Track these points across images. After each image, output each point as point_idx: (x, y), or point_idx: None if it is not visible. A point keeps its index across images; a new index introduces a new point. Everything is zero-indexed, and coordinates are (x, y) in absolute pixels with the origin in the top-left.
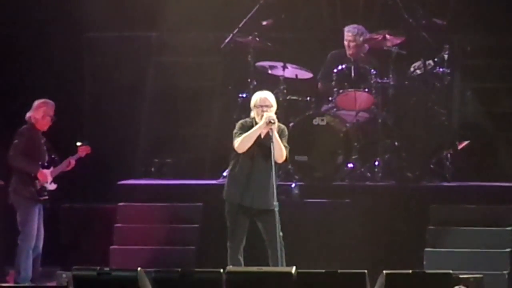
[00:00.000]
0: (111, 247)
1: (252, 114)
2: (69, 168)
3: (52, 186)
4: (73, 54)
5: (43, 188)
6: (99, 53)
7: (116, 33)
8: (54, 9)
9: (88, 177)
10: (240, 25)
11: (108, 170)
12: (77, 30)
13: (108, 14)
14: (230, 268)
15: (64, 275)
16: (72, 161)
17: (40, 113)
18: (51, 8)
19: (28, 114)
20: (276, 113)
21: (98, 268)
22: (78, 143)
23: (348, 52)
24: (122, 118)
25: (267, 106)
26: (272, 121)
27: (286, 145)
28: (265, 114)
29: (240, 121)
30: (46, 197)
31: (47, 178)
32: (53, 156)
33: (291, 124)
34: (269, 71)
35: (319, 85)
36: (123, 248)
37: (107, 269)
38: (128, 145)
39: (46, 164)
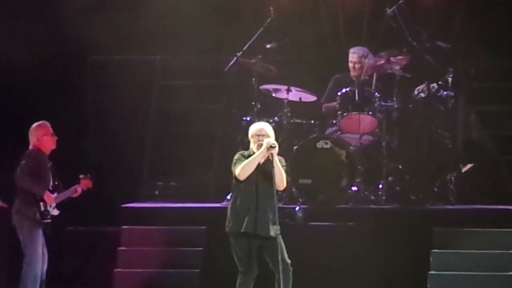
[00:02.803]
0: (115, 270)
1: (251, 145)
2: (75, 195)
3: (55, 212)
4: (77, 77)
5: (47, 212)
6: (103, 76)
7: (120, 56)
8: (58, 31)
9: (92, 200)
10: (244, 48)
11: (112, 193)
12: (81, 52)
13: (112, 37)
14: None
15: None
16: (79, 189)
17: (34, 138)
18: (55, 30)
19: (30, 146)
20: (278, 136)
21: None
22: (81, 176)
23: (353, 74)
24: (125, 141)
25: (263, 135)
26: (273, 145)
27: (285, 173)
28: (265, 140)
29: (239, 152)
30: (49, 220)
31: (52, 201)
32: (56, 182)
33: (295, 148)
34: (273, 94)
35: (324, 107)
36: (127, 271)
37: None
38: (132, 168)
39: (51, 188)
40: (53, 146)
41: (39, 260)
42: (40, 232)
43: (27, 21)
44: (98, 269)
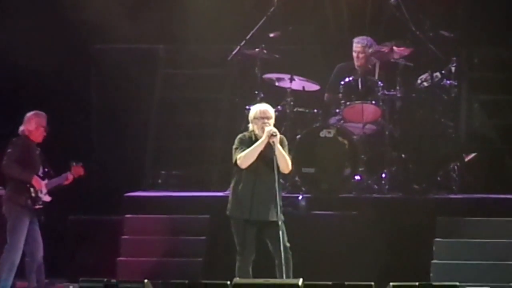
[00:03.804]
0: (118, 258)
1: (250, 127)
2: (67, 183)
3: (46, 198)
4: (80, 66)
5: (38, 198)
6: (106, 65)
7: (123, 45)
8: (61, 20)
9: (95, 189)
10: (247, 37)
11: (115, 182)
12: (85, 42)
13: (115, 26)
14: (237, 280)
15: (71, 287)
16: (70, 176)
17: (32, 124)
18: (59, 19)
19: (21, 128)
20: (281, 125)
21: (105, 280)
22: (73, 163)
23: (357, 63)
24: (129, 130)
25: (267, 118)
26: (274, 133)
27: (289, 153)
28: (266, 128)
29: (239, 136)
30: (41, 206)
31: (41, 186)
32: (46, 169)
33: (298, 136)
34: (276, 83)
35: (326, 96)
36: (130, 260)
37: (114, 281)
38: (135, 157)
39: (41, 175)
40: (41, 140)
41: (19, 248)
42: (28, 220)
43: (30, 10)
44: (101, 257)
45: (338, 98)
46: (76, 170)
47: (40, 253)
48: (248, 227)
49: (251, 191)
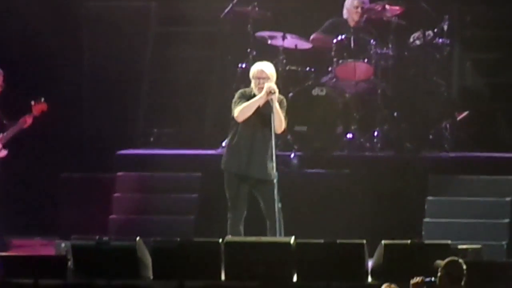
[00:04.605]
0: (110, 216)
1: (252, 85)
2: (25, 126)
3: (1, 153)
4: (71, 23)
5: None
6: (98, 22)
7: (115, 2)
8: None
9: (87, 147)
10: None
11: (107, 140)
12: None
13: None
14: (228, 238)
15: (63, 245)
16: (28, 119)
17: None
18: None
19: None
20: (275, 84)
21: (97, 237)
22: (32, 102)
23: (355, 18)
24: (121, 88)
25: (263, 78)
26: (273, 91)
27: (285, 115)
28: (266, 84)
29: (240, 90)
30: None
31: None
32: (5, 122)
33: (290, 95)
34: (269, 41)
35: (313, 35)
36: (121, 218)
37: (106, 238)
38: (128, 115)
39: None
40: None
41: None
42: None
43: None
44: (93, 215)
45: (325, 38)
46: (38, 108)
47: None
48: (241, 182)
49: (246, 146)
